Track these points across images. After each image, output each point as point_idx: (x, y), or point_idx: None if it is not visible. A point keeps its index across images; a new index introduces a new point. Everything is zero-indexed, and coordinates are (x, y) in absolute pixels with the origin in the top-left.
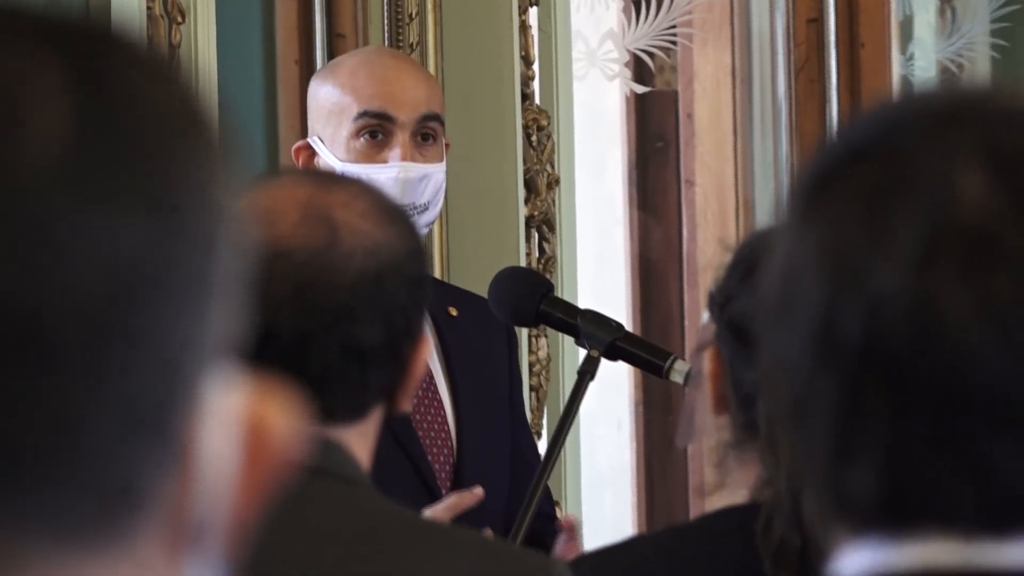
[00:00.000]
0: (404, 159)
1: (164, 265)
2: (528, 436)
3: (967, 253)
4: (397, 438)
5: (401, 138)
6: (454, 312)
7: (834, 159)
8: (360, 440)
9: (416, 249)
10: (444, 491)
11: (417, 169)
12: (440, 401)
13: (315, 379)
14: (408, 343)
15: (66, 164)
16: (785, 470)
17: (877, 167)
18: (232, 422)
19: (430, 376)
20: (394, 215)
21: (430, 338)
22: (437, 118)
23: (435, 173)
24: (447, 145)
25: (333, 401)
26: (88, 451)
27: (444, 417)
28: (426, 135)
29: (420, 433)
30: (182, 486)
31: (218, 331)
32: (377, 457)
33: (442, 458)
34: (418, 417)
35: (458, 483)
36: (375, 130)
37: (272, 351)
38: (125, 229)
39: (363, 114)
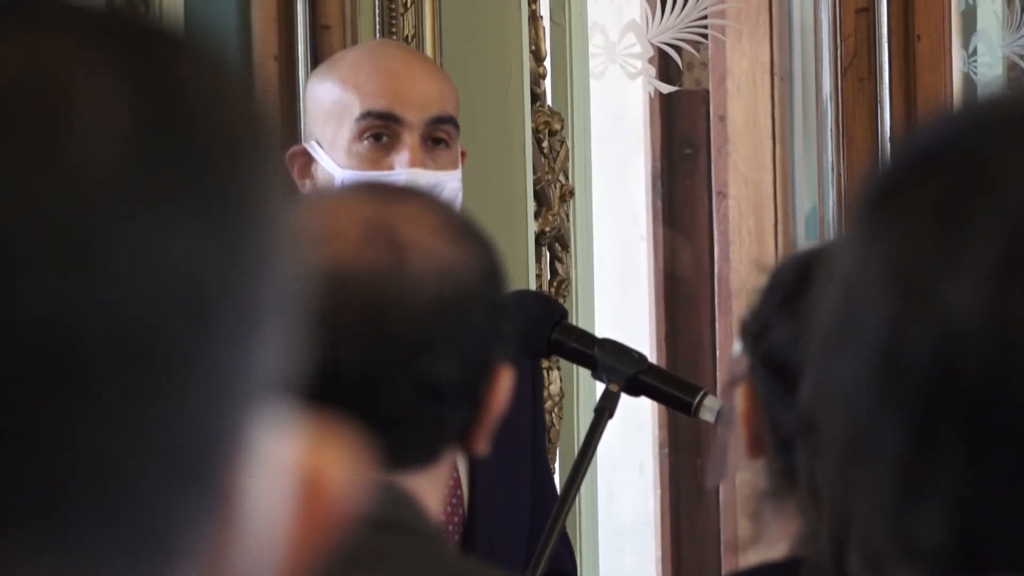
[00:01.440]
0: (413, 165)
1: (219, 288)
2: (551, 488)
3: None
4: None
5: (409, 141)
6: None
7: (902, 166)
8: (431, 487)
9: (494, 269)
10: None
11: (427, 177)
12: None
13: (384, 422)
14: (486, 378)
15: (120, 171)
16: (829, 521)
17: (951, 174)
18: (285, 470)
19: None
20: (469, 231)
21: (511, 371)
22: (451, 120)
23: (448, 181)
24: (463, 153)
25: (404, 446)
26: (128, 496)
27: (456, 472)
28: (438, 139)
29: None
30: (223, 538)
31: (270, 365)
32: None
33: (450, 509)
34: None
35: (469, 540)
36: (380, 132)
37: (334, 391)
38: (182, 246)
39: (367, 114)
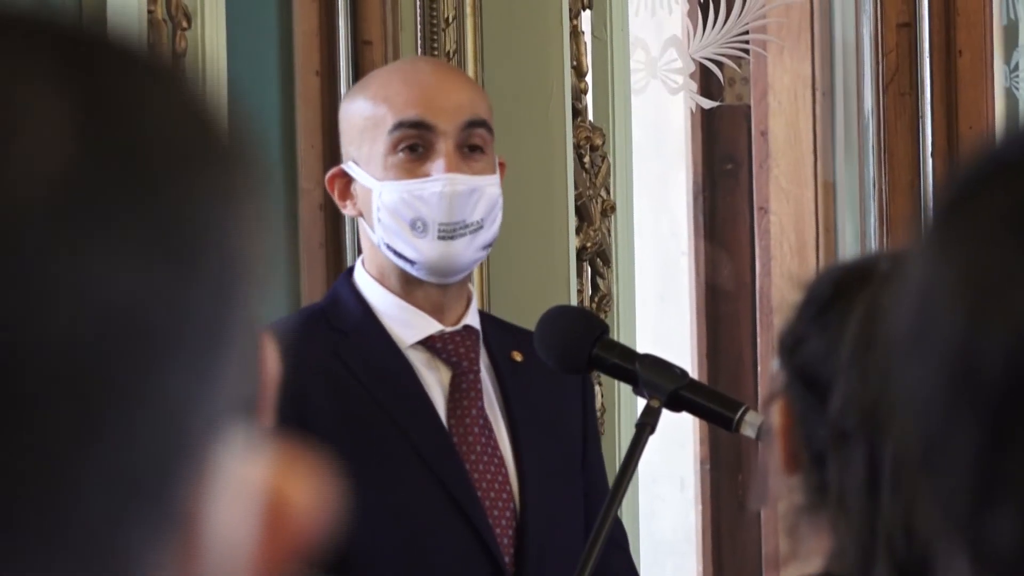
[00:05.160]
0: (449, 171)
1: (172, 312)
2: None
3: None
4: (456, 499)
5: (444, 148)
6: (519, 357)
7: (975, 174)
8: None
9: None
10: (507, 558)
11: (465, 181)
12: (501, 458)
13: None
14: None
15: (62, 191)
16: (857, 535)
17: None
18: (250, 493)
19: (490, 432)
20: None
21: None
22: (484, 124)
23: (486, 187)
24: (502, 165)
25: None
26: (77, 519)
27: (506, 476)
28: (473, 145)
29: (480, 494)
30: (186, 561)
31: (234, 390)
32: (435, 521)
33: (504, 522)
34: (476, 476)
35: (521, 551)
36: (414, 142)
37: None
38: (127, 270)
39: (399, 125)
